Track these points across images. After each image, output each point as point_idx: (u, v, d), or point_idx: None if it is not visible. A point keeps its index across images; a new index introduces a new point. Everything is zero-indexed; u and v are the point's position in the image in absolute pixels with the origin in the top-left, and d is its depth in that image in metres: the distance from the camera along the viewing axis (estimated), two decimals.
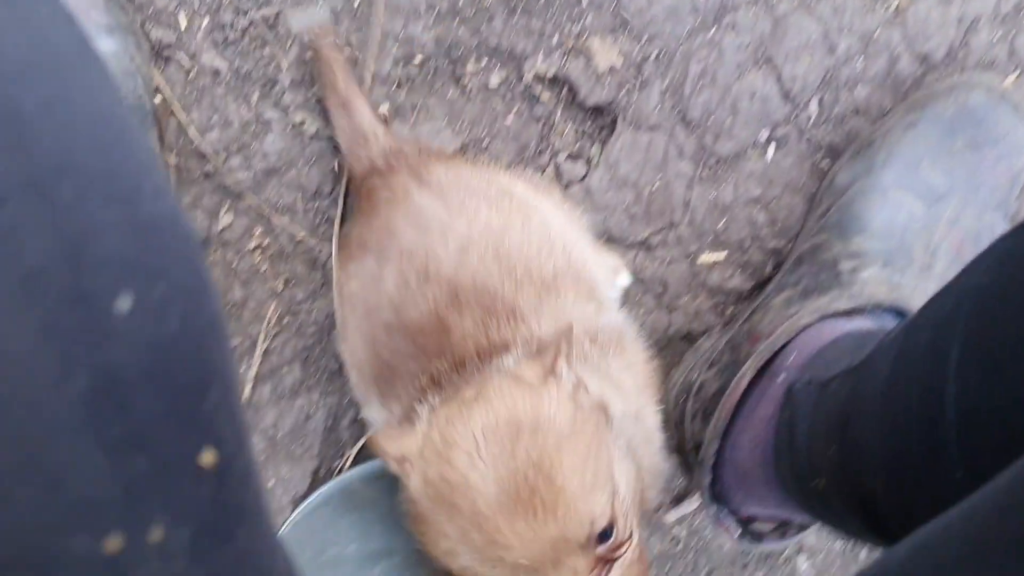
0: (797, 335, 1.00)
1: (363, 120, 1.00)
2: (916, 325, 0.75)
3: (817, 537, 1.24)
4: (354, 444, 1.15)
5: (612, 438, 0.76)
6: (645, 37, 1.08)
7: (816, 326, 1.00)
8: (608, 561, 0.70)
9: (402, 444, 0.75)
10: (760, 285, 1.15)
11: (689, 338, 1.17)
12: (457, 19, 1.08)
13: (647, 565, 0.75)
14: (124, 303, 0.30)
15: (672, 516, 1.21)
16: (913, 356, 0.72)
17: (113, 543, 0.30)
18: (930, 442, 0.67)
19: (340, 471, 1.15)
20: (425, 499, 0.71)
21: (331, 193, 1.08)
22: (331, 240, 1.09)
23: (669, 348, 1.17)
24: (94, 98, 0.32)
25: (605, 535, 0.69)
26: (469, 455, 0.68)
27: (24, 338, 0.28)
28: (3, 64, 0.29)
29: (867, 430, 0.77)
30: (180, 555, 0.33)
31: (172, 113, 1.06)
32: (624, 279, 1.12)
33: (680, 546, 1.23)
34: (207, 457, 0.33)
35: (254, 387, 1.12)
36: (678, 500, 1.21)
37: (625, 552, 0.71)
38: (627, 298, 1.14)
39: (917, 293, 1.02)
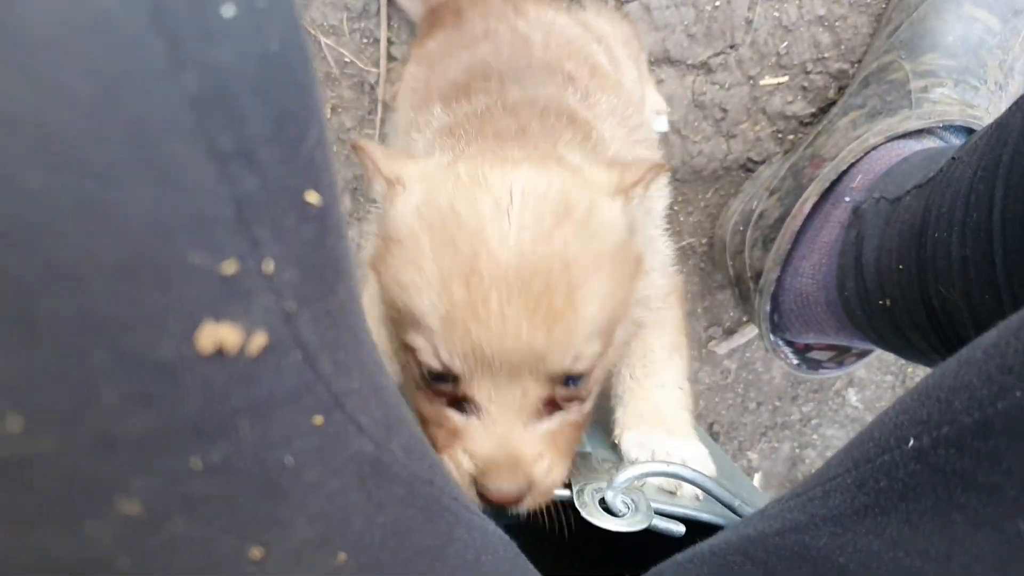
0: (863, 157, 0.97)
1: None
2: (1002, 127, 0.72)
3: (867, 370, 1.24)
4: None
5: (637, 293, 0.67)
6: None
7: (883, 148, 0.96)
8: (555, 406, 0.62)
9: (402, 165, 0.64)
10: (823, 110, 1.11)
11: (748, 167, 1.14)
12: None
13: (580, 432, 0.66)
14: (229, 8, 0.27)
15: (723, 348, 1.21)
16: (997, 158, 0.69)
17: (230, 265, 0.29)
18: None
19: None
20: (413, 222, 0.59)
21: (377, 13, 1.04)
22: (377, 62, 1.06)
23: (727, 177, 1.14)
24: None
25: (572, 381, 0.61)
26: (497, 204, 0.58)
27: (134, 22, 0.25)
28: None
29: (946, 237, 0.74)
30: (290, 293, 0.31)
31: None
32: (663, 125, 1.09)
33: (730, 378, 1.23)
34: (311, 196, 0.31)
35: None
36: (729, 332, 1.21)
37: (572, 408, 0.63)
38: (686, 124, 1.10)
39: (991, 113, 0.98)
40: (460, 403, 0.61)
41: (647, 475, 0.65)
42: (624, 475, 0.65)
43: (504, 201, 0.58)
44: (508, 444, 0.60)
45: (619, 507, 0.64)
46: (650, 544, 0.64)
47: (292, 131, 0.30)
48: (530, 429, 0.61)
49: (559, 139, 0.70)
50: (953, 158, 0.79)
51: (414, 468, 0.44)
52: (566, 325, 0.57)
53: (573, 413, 0.63)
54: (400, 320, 0.61)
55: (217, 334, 0.29)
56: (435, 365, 0.59)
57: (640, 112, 0.90)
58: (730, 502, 0.64)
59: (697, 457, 0.72)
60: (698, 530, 0.64)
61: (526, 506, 0.61)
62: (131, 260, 0.27)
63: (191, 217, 0.27)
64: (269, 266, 0.30)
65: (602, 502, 0.65)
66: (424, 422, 0.64)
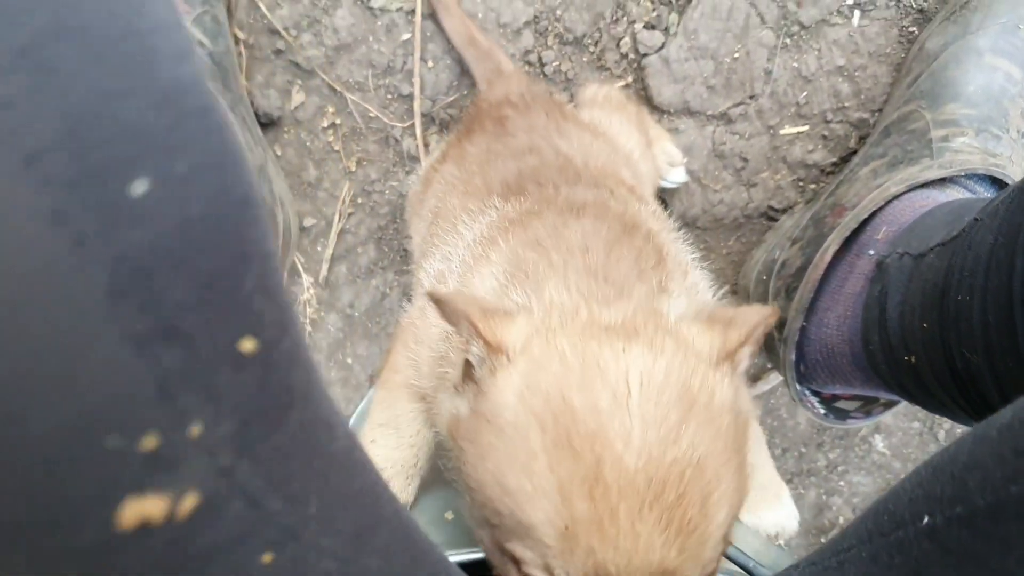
0: (885, 206, 0.97)
1: (499, 57, 1.01)
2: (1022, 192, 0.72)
3: (894, 417, 1.23)
4: None
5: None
6: None
7: (906, 198, 0.96)
8: None
9: (505, 329, 0.56)
10: (844, 159, 1.12)
11: (769, 215, 1.14)
12: None
13: None
14: (140, 185, 0.27)
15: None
16: (1018, 226, 0.69)
17: (149, 441, 0.28)
18: None
19: None
20: (518, 410, 0.53)
21: (403, 68, 1.06)
22: (402, 117, 1.08)
23: (748, 225, 1.15)
24: None
25: None
26: (615, 397, 0.51)
27: (33, 227, 0.25)
28: None
29: (968, 301, 0.74)
30: (225, 448, 0.31)
31: None
32: (680, 176, 1.09)
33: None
34: (247, 344, 0.31)
35: (330, 267, 1.13)
36: (754, 379, 1.21)
37: None
38: (706, 173, 1.11)
39: (1013, 161, 0.98)
40: None
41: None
42: None
43: (622, 392, 0.52)
44: None
45: None
46: None
47: (224, 285, 0.30)
48: None
49: (642, 265, 0.65)
50: (976, 219, 0.79)
51: (396, 568, 0.43)
52: (699, 536, 0.51)
53: None
54: (499, 524, 0.54)
55: (141, 508, 0.29)
56: None
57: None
58: (744, 563, 0.64)
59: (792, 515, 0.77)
60: None
61: None
62: (45, 456, 0.27)
63: (106, 404, 0.27)
64: (196, 431, 0.30)
65: None
66: None
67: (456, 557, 0.64)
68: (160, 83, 0.28)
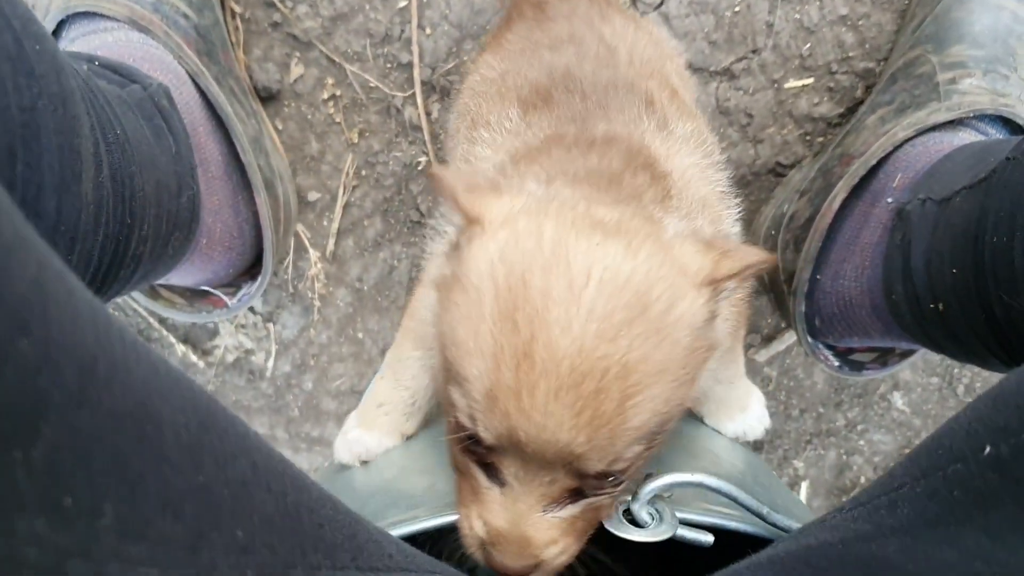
0: (896, 152, 0.96)
1: None
2: None
3: (913, 372, 1.21)
4: None
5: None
6: None
7: (918, 143, 0.95)
8: (581, 494, 0.59)
9: (485, 202, 0.59)
10: (851, 111, 1.10)
11: (777, 171, 1.13)
12: None
13: (605, 513, 0.63)
14: None
15: (762, 356, 1.19)
16: None
17: None
18: None
19: None
20: (484, 275, 0.56)
21: (400, 37, 1.05)
22: (402, 86, 1.07)
23: (756, 183, 1.13)
24: None
25: (605, 476, 0.57)
26: (570, 286, 0.53)
27: None
28: None
29: (1007, 243, 0.71)
30: None
31: None
32: None
33: (771, 386, 1.21)
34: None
35: (337, 241, 1.12)
36: (768, 340, 1.19)
37: (602, 494, 0.59)
38: (710, 129, 1.10)
39: (1022, 101, 0.96)
40: (488, 466, 0.59)
41: (672, 486, 0.64)
42: (649, 487, 0.64)
43: (579, 283, 0.54)
44: (523, 525, 0.59)
45: (644, 518, 0.64)
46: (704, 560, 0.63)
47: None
48: (550, 514, 0.59)
49: (644, 195, 0.66)
50: (1008, 158, 0.77)
51: (265, 560, 0.39)
52: (610, 432, 0.54)
53: (602, 498, 0.60)
54: (448, 370, 0.59)
55: None
56: (470, 428, 0.57)
57: (711, 135, 0.88)
58: (758, 509, 0.63)
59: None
60: (741, 542, 0.63)
61: None
62: None
63: None
64: None
65: (627, 514, 0.65)
66: (454, 465, 0.63)
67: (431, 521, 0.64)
68: None
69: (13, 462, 0.28)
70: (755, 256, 0.59)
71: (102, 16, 0.85)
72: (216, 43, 0.94)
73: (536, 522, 0.59)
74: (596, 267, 0.54)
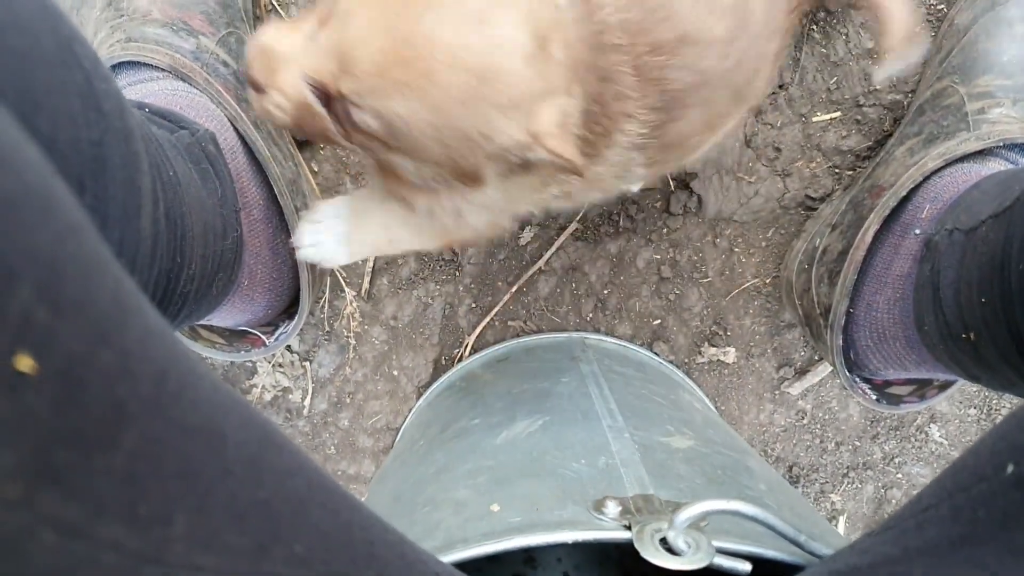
0: (924, 182, 0.96)
1: None
2: None
3: (950, 404, 1.21)
4: (472, 331, 1.16)
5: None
6: None
7: (946, 174, 0.95)
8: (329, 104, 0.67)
9: None
10: (879, 143, 1.11)
11: (806, 205, 1.13)
12: None
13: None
14: None
15: (796, 389, 1.19)
16: None
17: None
18: None
19: (460, 359, 1.17)
20: None
21: None
22: None
23: (786, 216, 1.14)
24: None
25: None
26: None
27: None
28: None
29: None
30: (10, 480, 0.28)
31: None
32: None
33: (806, 419, 1.21)
34: (23, 363, 0.28)
35: (372, 280, 1.14)
36: (801, 373, 1.19)
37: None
38: (739, 166, 1.11)
39: None
40: None
41: (709, 512, 0.64)
42: (685, 513, 0.64)
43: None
44: (277, 38, 0.65)
45: (680, 547, 0.64)
46: None
47: None
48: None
49: None
50: None
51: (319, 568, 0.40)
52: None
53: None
54: None
55: None
56: None
57: None
58: (795, 537, 0.63)
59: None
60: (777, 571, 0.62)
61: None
62: None
63: None
64: None
65: (663, 542, 0.65)
66: None
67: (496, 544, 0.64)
68: None
69: (95, 469, 0.29)
70: (569, 160, 0.65)
71: (146, 66, 0.88)
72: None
73: (287, 39, 0.64)
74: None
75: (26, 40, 0.42)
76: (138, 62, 0.87)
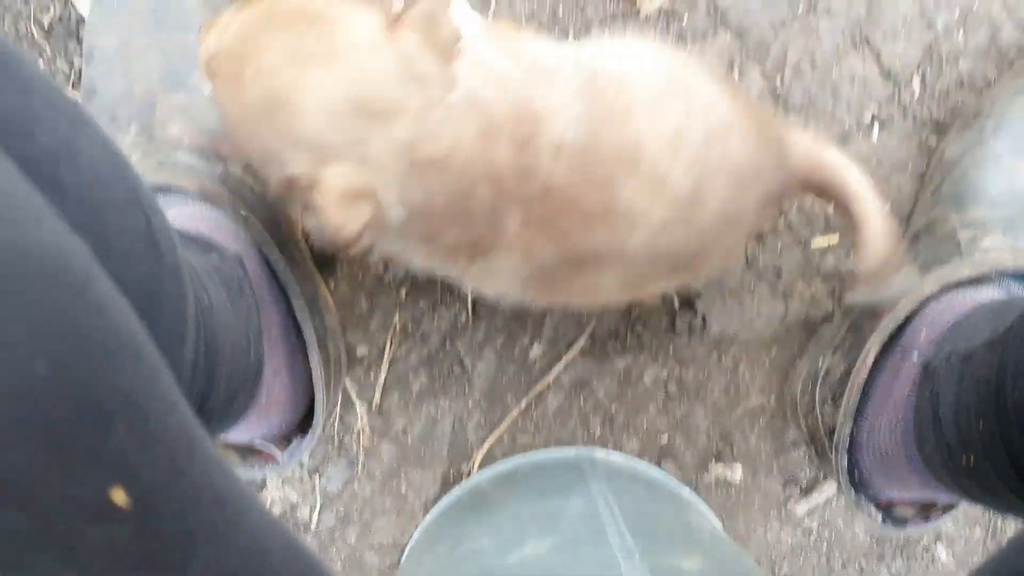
0: (921, 308, 0.99)
1: None
2: None
3: (955, 524, 1.21)
4: (480, 446, 1.17)
5: None
6: (741, 29, 1.11)
7: (943, 299, 0.99)
8: None
9: None
10: None
11: (807, 326, 1.17)
12: None
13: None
14: None
15: (802, 508, 1.20)
16: None
17: None
18: None
19: (468, 474, 1.18)
20: None
21: None
22: None
23: (788, 337, 1.17)
24: None
25: None
26: None
27: None
28: None
29: None
30: None
31: None
32: None
33: (813, 537, 1.21)
34: (117, 496, 0.30)
35: (382, 395, 1.16)
36: (807, 491, 1.20)
37: None
38: (742, 287, 1.15)
39: None
40: None
41: None
42: None
43: None
44: None
45: None
46: None
47: (78, 443, 0.29)
48: None
49: None
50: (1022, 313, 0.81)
51: None
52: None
53: None
54: None
55: None
56: None
57: None
58: None
59: None
60: None
61: None
62: None
63: None
64: None
65: None
66: None
67: None
68: None
69: None
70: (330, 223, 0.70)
71: (176, 191, 0.92)
72: (279, 213, 1.01)
73: None
74: None
75: (102, 190, 0.45)
76: (169, 187, 0.91)
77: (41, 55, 1.08)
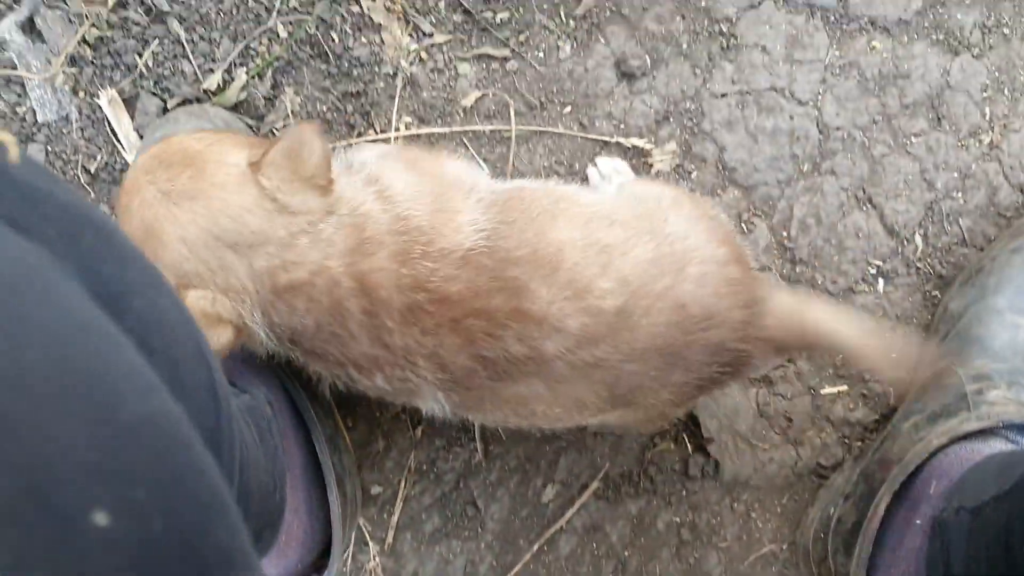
0: (930, 459, 1.01)
1: None
2: None
3: None
4: None
5: None
6: (749, 185, 1.17)
7: (951, 451, 1.00)
8: None
9: None
10: (885, 417, 1.17)
11: (818, 473, 1.18)
12: None
13: None
14: (100, 517, 0.30)
15: None
16: None
17: None
18: None
19: None
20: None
21: None
22: None
23: (800, 484, 1.18)
24: (56, 313, 0.32)
25: None
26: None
27: None
28: None
29: None
30: None
31: None
32: None
33: None
34: None
35: (395, 534, 1.17)
36: None
37: None
38: (753, 433, 1.17)
39: None
40: None
41: None
42: None
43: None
44: None
45: None
46: None
47: None
48: None
49: None
50: None
51: None
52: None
53: None
54: None
55: None
56: None
57: None
58: None
59: None
60: None
61: None
62: None
63: None
64: None
65: None
66: None
67: None
68: (121, 422, 0.31)
69: None
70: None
71: None
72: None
73: None
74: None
75: (179, 348, 0.49)
76: None
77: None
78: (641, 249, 0.83)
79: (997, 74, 1.17)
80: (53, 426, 0.30)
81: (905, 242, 1.17)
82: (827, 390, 1.17)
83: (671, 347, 0.84)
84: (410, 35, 1.16)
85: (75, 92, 1.14)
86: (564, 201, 0.87)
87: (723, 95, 1.17)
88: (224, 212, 0.79)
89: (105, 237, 0.44)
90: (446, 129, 1.15)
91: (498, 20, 1.16)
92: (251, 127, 1.12)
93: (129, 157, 1.12)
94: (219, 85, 1.12)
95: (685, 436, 1.18)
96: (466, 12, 1.16)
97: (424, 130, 1.15)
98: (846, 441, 1.17)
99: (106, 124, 1.13)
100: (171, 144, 0.85)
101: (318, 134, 0.80)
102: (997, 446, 1.00)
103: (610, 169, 1.12)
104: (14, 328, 0.30)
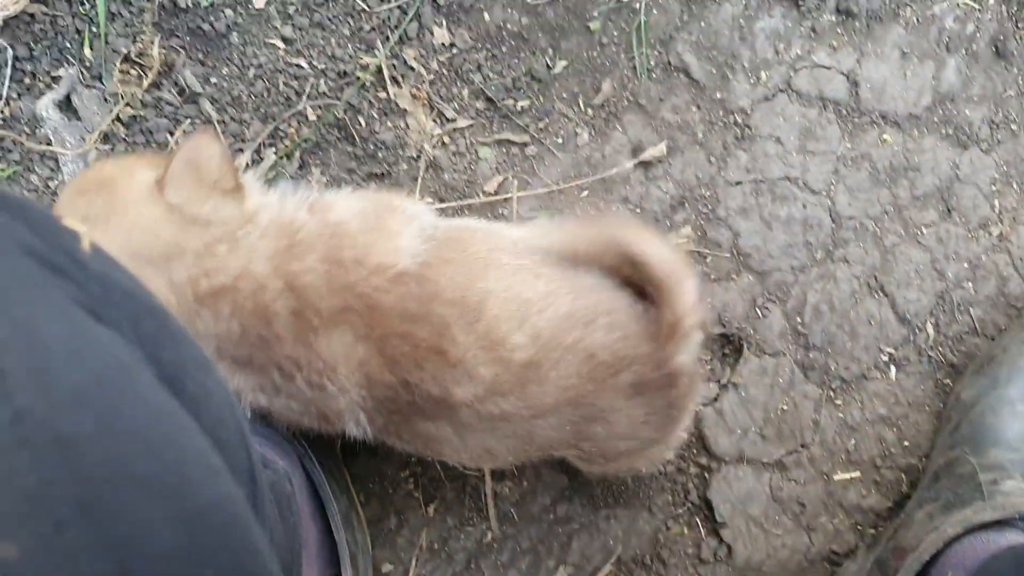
0: (947, 549, 1.01)
1: None
2: None
3: None
4: None
5: None
6: (763, 271, 1.19)
7: (966, 541, 1.00)
8: None
9: None
10: (898, 504, 1.17)
11: (831, 559, 1.17)
12: None
13: None
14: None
15: None
16: None
17: None
18: None
19: None
20: None
21: None
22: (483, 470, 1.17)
23: (812, 570, 1.18)
24: (141, 402, 0.36)
25: None
26: None
27: None
28: (57, 394, 0.32)
29: None
30: None
31: None
32: None
33: None
34: None
35: None
36: None
37: None
38: (766, 518, 1.17)
39: None
40: None
41: None
42: None
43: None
44: None
45: None
46: None
47: None
48: None
49: None
50: None
51: None
52: None
53: None
54: None
55: None
56: None
57: None
58: None
59: None
60: None
61: None
62: None
63: None
64: None
65: None
66: None
67: None
68: (190, 507, 0.34)
69: None
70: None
71: None
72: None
73: None
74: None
75: (224, 430, 0.51)
76: None
77: None
78: (559, 303, 0.84)
79: (1005, 168, 1.20)
80: (142, 511, 0.32)
81: (917, 330, 1.18)
82: (840, 476, 1.17)
83: (583, 398, 0.85)
84: (434, 120, 1.19)
85: None
86: (498, 251, 0.88)
87: (738, 183, 1.20)
88: (137, 228, 0.81)
89: (162, 321, 0.46)
90: (467, 202, 1.18)
91: (519, 108, 1.20)
92: None
93: None
94: (247, 164, 1.15)
95: (698, 520, 1.18)
96: (488, 99, 1.20)
97: (443, 204, 1.18)
98: (859, 528, 1.17)
99: None
100: (88, 173, 0.88)
101: (214, 138, 0.82)
102: (1012, 537, 1.00)
103: None
104: (112, 420, 0.33)
